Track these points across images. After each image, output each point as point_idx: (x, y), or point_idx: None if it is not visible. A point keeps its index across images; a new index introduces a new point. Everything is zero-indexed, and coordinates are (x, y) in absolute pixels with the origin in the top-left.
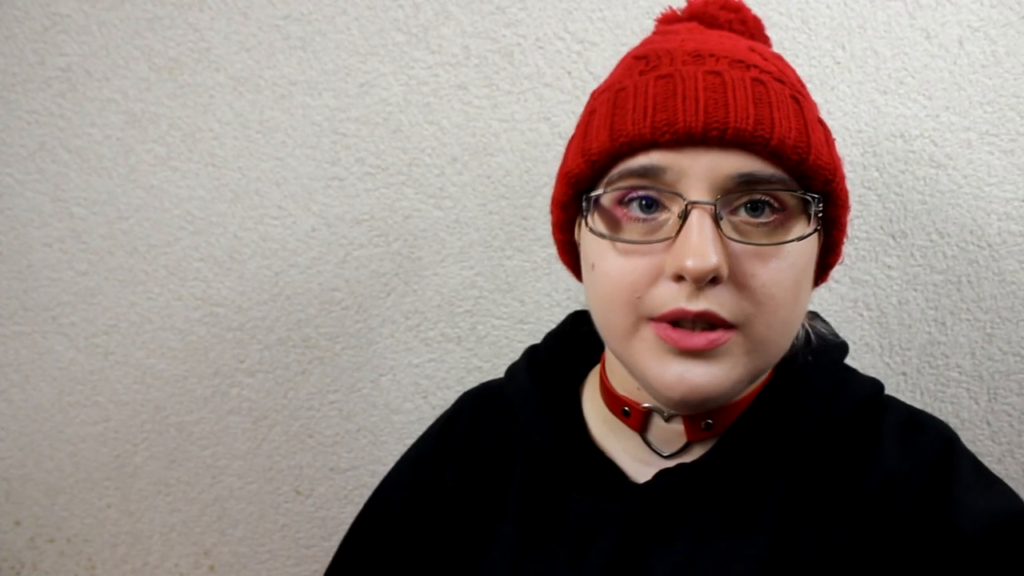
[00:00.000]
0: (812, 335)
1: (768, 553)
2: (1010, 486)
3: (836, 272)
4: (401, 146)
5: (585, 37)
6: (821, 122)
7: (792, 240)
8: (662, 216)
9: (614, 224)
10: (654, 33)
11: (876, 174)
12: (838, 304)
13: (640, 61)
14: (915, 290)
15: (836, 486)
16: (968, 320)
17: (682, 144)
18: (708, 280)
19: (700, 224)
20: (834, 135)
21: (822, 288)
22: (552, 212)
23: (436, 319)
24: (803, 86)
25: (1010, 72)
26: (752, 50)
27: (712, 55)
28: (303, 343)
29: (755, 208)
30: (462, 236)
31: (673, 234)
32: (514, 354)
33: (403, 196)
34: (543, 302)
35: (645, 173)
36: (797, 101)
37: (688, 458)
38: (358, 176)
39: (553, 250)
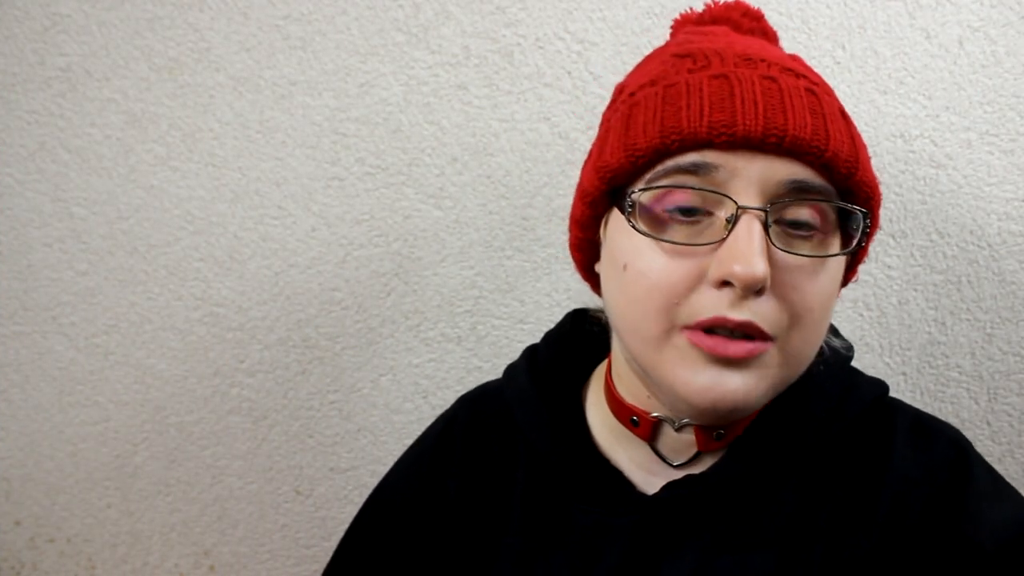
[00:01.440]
0: (826, 346)
1: (778, 566)
2: (1021, 493)
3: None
4: (401, 146)
5: (585, 37)
6: (861, 138)
7: (835, 254)
8: (707, 219)
9: (657, 224)
10: (686, 32)
11: (876, 174)
12: (838, 304)
13: (686, 59)
14: (915, 290)
15: (848, 497)
16: (968, 320)
17: (737, 147)
18: (756, 290)
19: (750, 230)
20: None
21: None
22: (576, 207)
23: (436, 319)
24: (843, 108)
25: (1010, 72)
26: (794, 60)
27: (763, 60)
28: (303, 343)
29: (797, 224)
30: (462, 236)
31: (719, 238)
32: (514, 354)
33: (403, 196)
34: (543, 302)
35: (695, 170)
36: (844, 117)
37: (697, 468)
38: (358, 176)
39: (553, 250)
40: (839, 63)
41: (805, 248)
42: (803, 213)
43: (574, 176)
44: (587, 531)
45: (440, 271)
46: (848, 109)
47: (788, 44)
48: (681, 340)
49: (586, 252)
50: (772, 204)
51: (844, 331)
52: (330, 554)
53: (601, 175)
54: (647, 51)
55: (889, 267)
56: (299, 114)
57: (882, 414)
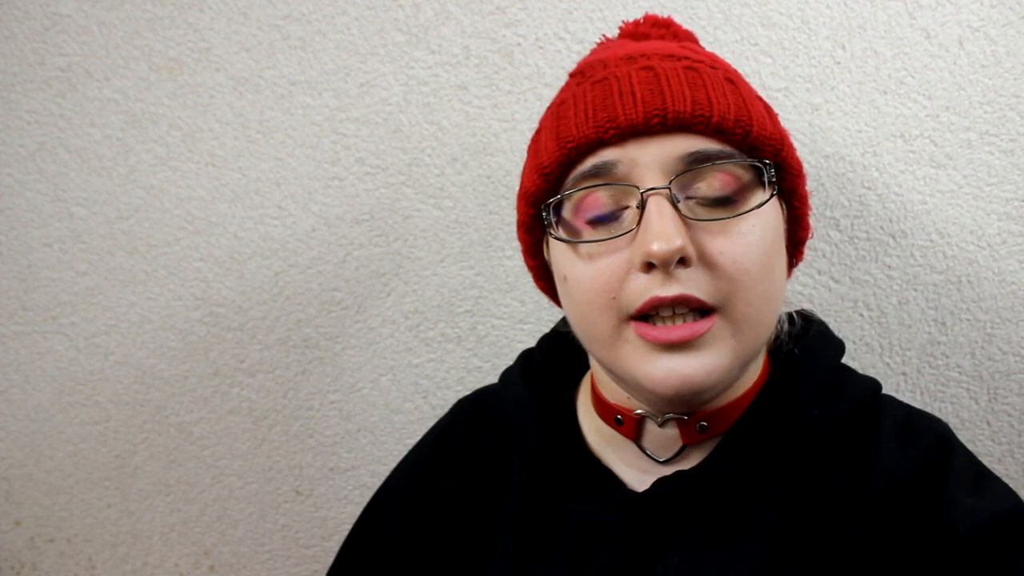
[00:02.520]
0: (796, 320)
1: (767, 559)
2: (1007, 484)
3: (836, 272)
4: (401, 146)
5: (585, 37)
6: (761, 99)
7: (751, 209)
8: (620, 219)
9: (575, 233)
10: (590, 54)
11: (876, 174)
12: (838, 304)
13: (576, 76)
14: (915, 290)
15: (835, 491)
16: (968, 320)
17: (627, 138)
18: (677, 261)
19: (659, 208)
20: (834, 135)
21: (822, 288)
22: (520, 239)
23: (436, 319)
24: (738, 74)
25: (1010, 72)
26: (683, 47)
27: (643, 55)
28: (303, 343)
29: (714, 201)
30: (462, 236)
31: (634, 225)
32: (514, 354)
33: (403, 196)
34: (543, 302)
35: (597, 172)
36: (732, 82)
37: (686, 464)
38: (358, 176)
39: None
40: (839, 63)
41: (721, 212)
42: (713, 185)
43: None
44: (580, 529)
45: (440, 271)
46: (848, 109)
47: (788, 44)
48: (631, 334)
49: (547, 280)
50: (673, 179)
51: (844, 331)
52: (330, 554)
53: (526, 200)
54: None
55: (889, 267)
56: (299, 114)
57: (872, 411)
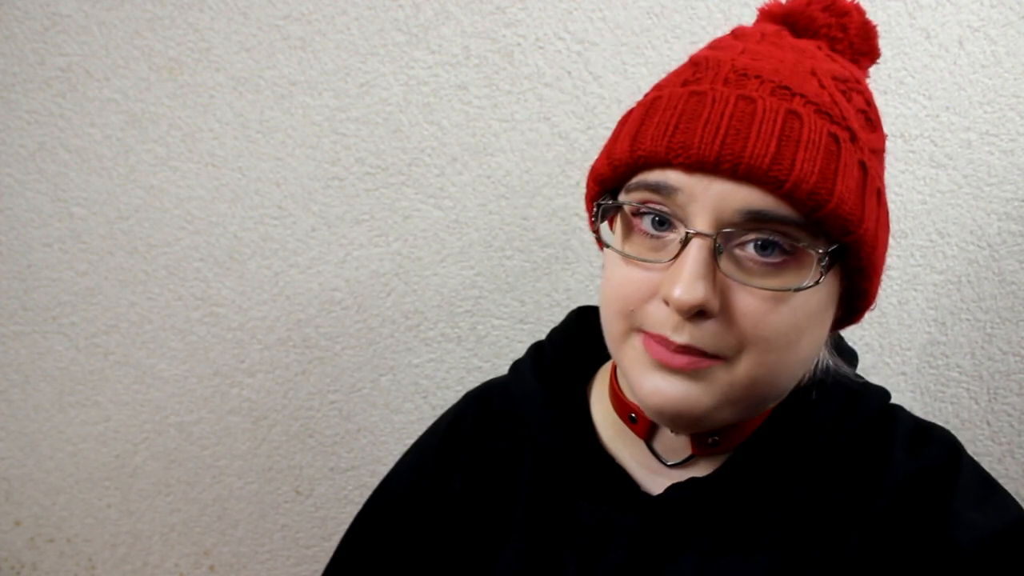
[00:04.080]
0: (828, 362)
1: (778, 568)
2: (1013, 496)
3: None
4: (401, 146)
5: (585, 37)
6: (863, 165)
7: (792, 289)
8: (670, 236)
9: (628, 231)
10: (727, 35)
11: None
12: None
13: (691, 68)
14: (915, 290)
15: (847, 502)
16: (968, 320)
17: (694, 170)
18: (694, 314)
19: (695, 256)
20: None
21: None
22: (587, 209)
23: (436, 319)
24: (862, 120)
25: (1010, 72)
26: (813, 73)
27: (758, 76)
28: (303, 343)
29: (764, 247)
30: (462, 236)
31: (672, 257)
32: (514, 354)
33: (403, 196)
34: (543, 302)
35: (658, 189)
36: (836, 140)
37: (695, 470)
38: (358, 176)
39: (553, 250)
40: None
41: (769, 275)
42: (763, 248)
43: (574, 176)
44: (592, 529)
45: (440, 271)
46: None
47: None
48: (637, 342)
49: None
50: (722, 231)
51: (844, 331)
52: (330, 554)
53: (594, 176)
54: (647, 51)
55: (889, 267)
56: (299, 114)
57: (884, 422)
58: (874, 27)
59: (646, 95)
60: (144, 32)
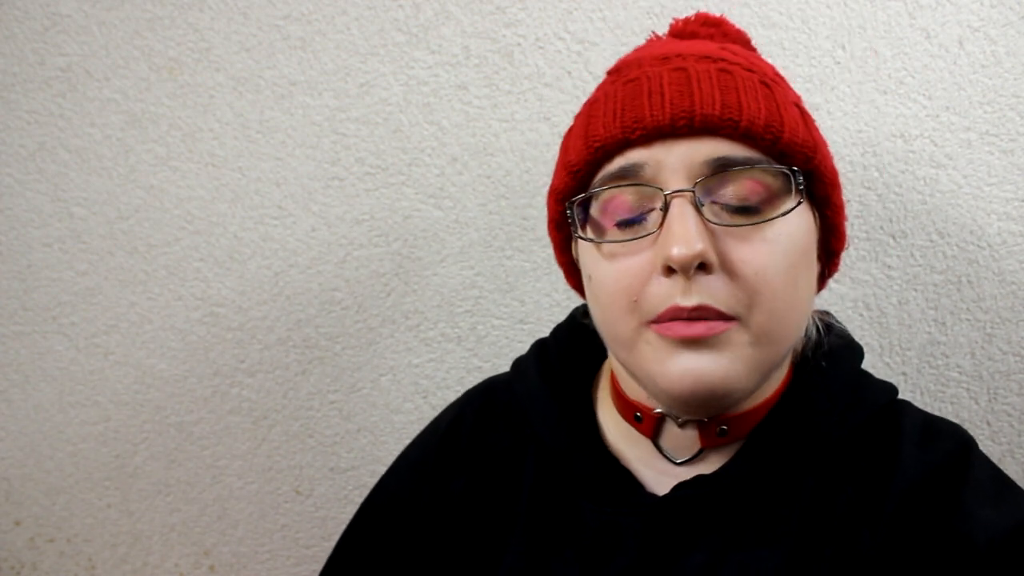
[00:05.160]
0: (822, 329)
1: (788, 565)
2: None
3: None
4: (401, 146)
5: (585, 37)
6: (798, 105)
7: (776, 216)
8: (646, 216)
9: (602, 233)
10: (634, 50)
11: (876, 174)
12: (838, 304)
13: (612, 74)
14: (915, 290)
15: (857, 497)
16: (968, 320)
17: (654, 139)
18: (696, 267)
19: (681, 212)
20: (834, 135)
21: None
22: (550, 237)
23: (436, 319)
24: (778, 75)
25: (1010, 72)
26: (722, 48)
27: (679, 55)
28: (303, 343)
29: (741, 192)
30: (462, 236)
31: (657, 228)
32: (514, 354)
33: (403, 196)
34: (543, 302)
35: (624, 174)
36: (767, 86)
37: (704, 467)
38: (358, 176)
39: (553, 250)
40: (839, 63)
41: (753, 216)
42: (740, 192)
43: None
44: (597, 530)
45: (440, 271)
46: (848, 109)
47: (788, 44)
48: (650, 335)
49: (576, 277)
50: (699, 183)
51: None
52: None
53: (555, 197)
54: None
55: (889, 267)
56: (299, 114)
57: (891, 417)
58: (746, 34)
59: (578, 113)
60: (144, 32)
